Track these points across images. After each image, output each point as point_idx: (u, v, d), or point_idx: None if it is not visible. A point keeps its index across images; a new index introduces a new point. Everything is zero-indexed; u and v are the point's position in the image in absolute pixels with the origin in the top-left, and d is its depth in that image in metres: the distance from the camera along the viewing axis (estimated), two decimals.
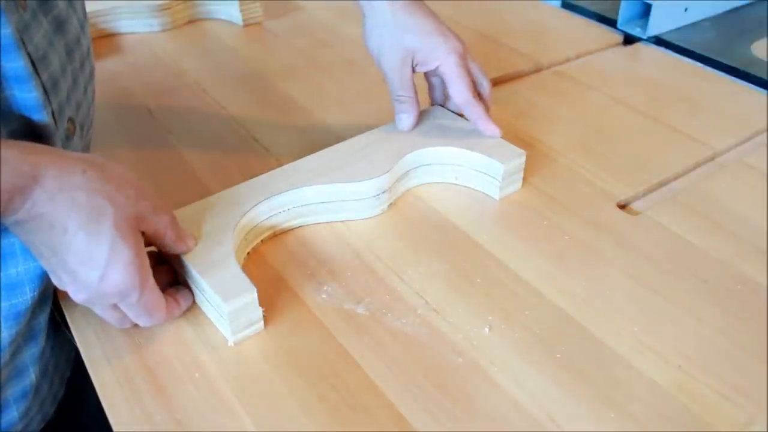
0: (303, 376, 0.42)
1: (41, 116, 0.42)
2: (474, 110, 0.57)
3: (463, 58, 0.57)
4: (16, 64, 0.39)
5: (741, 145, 0.66)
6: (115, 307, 0.42)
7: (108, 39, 0.85)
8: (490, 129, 0.57)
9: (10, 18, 0.39)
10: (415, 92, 0.58)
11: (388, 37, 0.56)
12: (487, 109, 0.59)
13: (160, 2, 0.86)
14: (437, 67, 0.56)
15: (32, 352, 0.47)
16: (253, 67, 0.79)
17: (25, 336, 0.46)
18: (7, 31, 0.39)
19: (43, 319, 0.47)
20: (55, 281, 0.40)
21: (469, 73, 0.57)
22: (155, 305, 0.43)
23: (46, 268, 0.40)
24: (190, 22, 0.91)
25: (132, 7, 0.86)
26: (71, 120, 0.47)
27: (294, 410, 0.40)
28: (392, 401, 0.41)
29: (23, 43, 0.41)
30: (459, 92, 0.57)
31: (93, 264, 0.38)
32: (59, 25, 0.46)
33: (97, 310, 0.42)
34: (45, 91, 0.43)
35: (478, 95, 0.58)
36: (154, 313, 0.43)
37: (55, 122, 0.44)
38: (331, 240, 0.53)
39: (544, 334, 0.45)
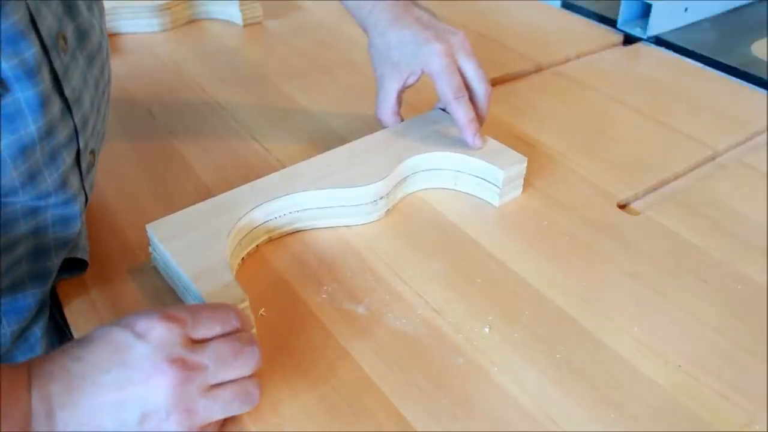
0: (303, 377, 0.42)
1: (62, 162, 0.41)
2: (456, 113, 0.55)
3: (444, 57, 0.55)
4: (33, 127, 0.39)
5: (741, 145, 0.66)
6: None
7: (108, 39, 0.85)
8: (468, 137, 0.55)
9: (48, 70, 0.39)
10: (395, 107, 0.59)
11: (377, 55, 0.59)
12: (479, 116, 0.57)
13: (160, 2, 0.86)
14: (423, 72, 0.56)
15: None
16: (254, 67, 0.79)
17: (22, 348, 0.46)
18: (36, 90, 0.38)
19: (38, 328, 0.47)
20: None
21: (455, 73, 0.55)
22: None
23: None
24: (190, 22, 0.91)
25: (132, 7, 0.86)
26: (92, 152, 0.47)
27: (294, 410, 0.40)
28: (392, 401, 0.41)
29: (60, 89, 0.40)
30: (440, 91, 0.56)
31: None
32: (91, 60, 0.46)
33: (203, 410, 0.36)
34: (75, 132, 0.43)
35: (471, 98, 0.56)
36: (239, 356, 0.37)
37: (78, 159, 0.44)
38: (331, 240, 0.53)
39: (544, 334, 0.45)
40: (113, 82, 0.53)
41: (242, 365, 0.37)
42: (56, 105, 0.40)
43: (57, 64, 0.40)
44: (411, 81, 0.58)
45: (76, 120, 0.42)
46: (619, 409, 0.40)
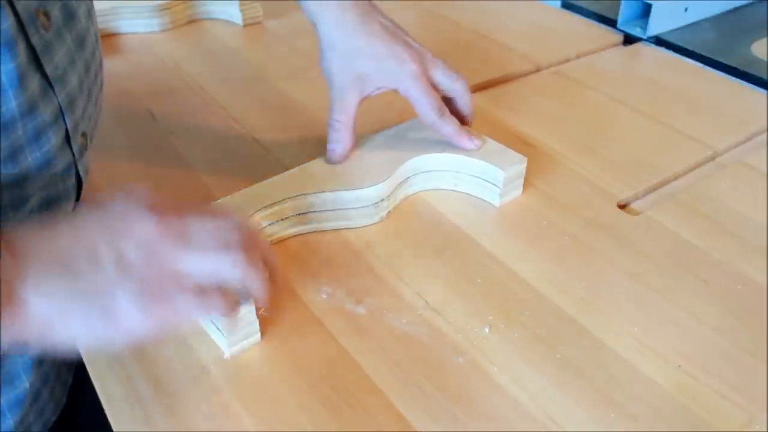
0: (303, 377, 0.42)
1: (47, 141, 0.41)
2: (443, 130, 0.55)
3: (421, 77, 0.53)
4: (14, 103, 0.38)
5: (741, 145, 0.66)
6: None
7: (108, 39, 0.85)
8: (465, 143, 0.55)
9: (24, 45, 0.38)
10: (353, 121, 0.55)
11: (338, 60, 0.54)
12: (464, 119, 0.56)
13: (160, 2, 0.86)
14: (397, 90, 0.54)
15: (24, 359, 0.46)
16: (254, 68, 0.79)
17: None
18: (11, 66, 0.37)
19: None
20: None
21: (432, 91, 0.54)
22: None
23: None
24: (190, 22, 0.91)
25: (132, 7, 0.86)
26: (84, 134, 0.46)
27: (294, 411, 0.40)
28: (392, 401, 0.41)
29: (40, 66, 0.40)
30: (423, 116, 0.54)
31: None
32: (81, 41, 0.45)
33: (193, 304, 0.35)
34: (61, 111, 0.42)
35: (453, 106, 0.56)
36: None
37: (69, 140, 0.44)
38: (331, 240, 0.53)
39: (544, 334, 0.45)
40: (105, 70, 0.52)
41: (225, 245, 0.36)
42: (35, 82, 0.39)
43: (35, 40, 0.39)
44: (374, 94, 0.55)
45: (60, 98, 0.42)
46: (619, 409, 0.40)
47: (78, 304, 0.33)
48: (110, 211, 0.35)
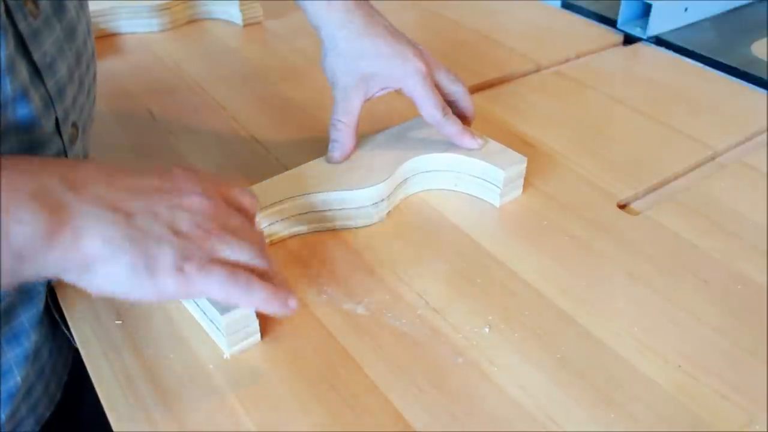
0: (303, 376, 0.42)
1: (38, 127, 0.41)
2: (447, 129, 0.55)
3: (427, 76, 0.54)
4: (9, 87, 0.38)
5: (741, 145, 0.66)
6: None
7: (108, 39, 0.85)
8: (467, 143, 0.55)
9: (12, 32, 0.38)
10: (356, 122, 0.55)
11: (342, 62, 0.54)
12: (466, 120, 0.57)
13: (160, 2, 0.86)
14: (401, 90, 0.54)
15: (16, 353, 0.46)
16: (254, 67, 0.79)
17: (7, 337, 0.46)
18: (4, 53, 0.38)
19: (26, 319, 0.47)
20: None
21: (436, 90, 0.54)
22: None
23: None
24: (190, 22, 0.91)
25: (132, 7, 0.86)
26: (74, 125, 0.46)
27: (294, 410, 0.40)
28: (392, 401, 0.41)
29: (27, 53, 0.40)
30: (428, 114, 0.54)
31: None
32: (71, 31, 0.45)
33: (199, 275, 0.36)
34: (50, 99, 0.42)
35: (455, 108, 0.56)
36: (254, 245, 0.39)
37: (59, 129, 0.43)
38: (331, 240, 0.53)
39: (544, 334, 0.45)
40: (105, 70, 0.52)
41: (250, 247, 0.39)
42: (23, 68, 0.40)
43: (22, 26, 0.39)
44: (377, 95, 0.56)
45: (48, 86, 0.42)
46: (619, 409, 0.40)
47: (129, 248, 0.34)
48: (169, 181, 0.38)
